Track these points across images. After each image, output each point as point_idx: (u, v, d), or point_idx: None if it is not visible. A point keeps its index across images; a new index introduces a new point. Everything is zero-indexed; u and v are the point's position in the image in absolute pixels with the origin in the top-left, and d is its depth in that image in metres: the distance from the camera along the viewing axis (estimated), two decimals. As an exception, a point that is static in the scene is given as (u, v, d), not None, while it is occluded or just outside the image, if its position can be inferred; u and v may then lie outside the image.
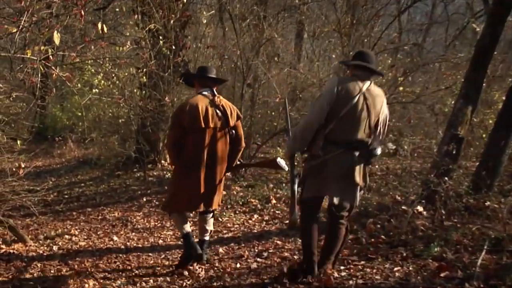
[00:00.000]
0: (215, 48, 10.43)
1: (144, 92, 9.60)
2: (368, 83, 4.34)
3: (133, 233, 6.92)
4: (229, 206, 7.81)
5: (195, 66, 10.00)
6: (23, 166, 6.31)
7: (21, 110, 11.65)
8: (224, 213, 7.41)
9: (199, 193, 5.03)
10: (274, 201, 7.78)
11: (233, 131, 5.24)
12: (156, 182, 10.12)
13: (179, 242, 6.10)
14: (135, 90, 10.16)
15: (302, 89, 11.15)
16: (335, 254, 4.53)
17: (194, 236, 5.29)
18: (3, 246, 6.50)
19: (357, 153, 4.31)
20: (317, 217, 4.49)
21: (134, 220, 7.67)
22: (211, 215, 5.35)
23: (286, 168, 4.89)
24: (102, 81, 9.71)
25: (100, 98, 10.05)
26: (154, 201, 8.74)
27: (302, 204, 4.44)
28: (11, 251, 6.33)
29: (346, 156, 4.28)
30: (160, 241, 6.39)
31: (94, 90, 9.11)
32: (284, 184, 8.99)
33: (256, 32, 9.92)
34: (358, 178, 4.34)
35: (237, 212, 7.53)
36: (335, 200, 4.31)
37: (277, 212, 7.30)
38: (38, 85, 4.90)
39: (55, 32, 4.31)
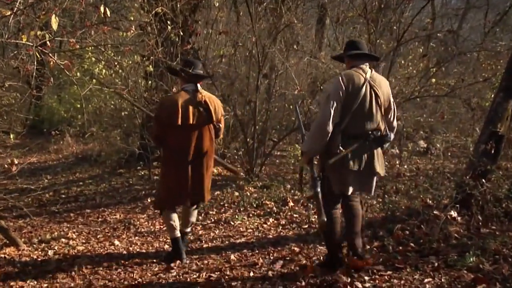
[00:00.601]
0: (228, 34, 10.42)
1: (149, 82, 9.63)
2: (369, 71, 4.87)
3: (136, 237, 6.96)
4: (242, 209, 7.82)
5: (206, 54, 10.02)
6: (16, 162, 6.34)
7: (14, 101, 11.72)
8: (237, 216, 7.43)
9: (186, 189, 5.58)
10: (291, 204, 7.78)
11: (219, 125, 5.80)
12: (162, 181, 10.16)
13: (188, 249, 6.12)
14: (139, 80, 10.20)
15: (323, 80, 11.08)
16: (359, 231, 5.01)
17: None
18: (-6, 250, 6.55)
19: (373, 142, 4.83)
20: (338, 211, 4.98)
21: (138, 223, 7.71)
22: (195, 207, 5.97)
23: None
24: (104, 70, 9.75)
25: (101, 89, 10.09)
26: (160, 202, 8.78)
27: (325, 200, 4.73)
28: (2, 255, 6.39)
29: (364, 147, 4.80)
30: (166, 246, 6.42)
31: (94, 80, 9.15)
32: (302, 185, 8.98)
33: (274, 17, 9.90)
34: (378, 167, 4.89)
35: (251, 215, 7.55)
36: (352, 192, 4.90)
37: (294, 215, 7.30)
38: (34, 74, 4.93)
39: (53, 15, 4.34)
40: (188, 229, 6.07)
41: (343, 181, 4.84)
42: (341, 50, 12.37)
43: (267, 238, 6.41)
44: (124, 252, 6.31)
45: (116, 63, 8.97)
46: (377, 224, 6.29)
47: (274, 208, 7.68)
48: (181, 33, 9.05)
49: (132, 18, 9.02)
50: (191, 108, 5.52)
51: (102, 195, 9.82)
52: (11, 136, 6.71)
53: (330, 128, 4.71)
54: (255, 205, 7.92)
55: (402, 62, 11.04)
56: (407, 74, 10.16)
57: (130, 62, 9.89)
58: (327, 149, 4.78)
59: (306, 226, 6.77)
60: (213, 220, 7.47)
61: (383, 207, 7.00)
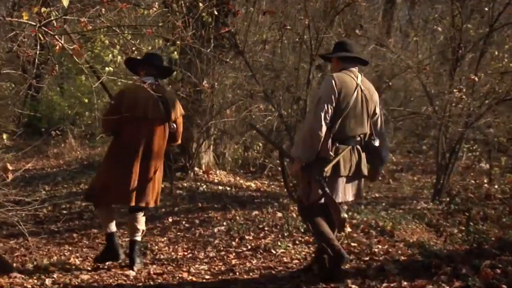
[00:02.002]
0: (273, 14, 10.46)
1: (175, 73, 9.74)
2: (359, 75, 5.84)
3: (154, 266, 7.00)
4: (286, 234, 7.83)
5: (245, 40, 10.06)
6: (11, 168, 6.46)
7: (7, 93, 11.93)
8: (279, 243, 7.44)
9: (130, 185, 6.38)
10: (348, 229, 7.75)
11: (174, 125, 6.66)
12: (187, 196, 10.23)
13: (215, 279, 6.16)
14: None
15: (392, 75, 11.06)
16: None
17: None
18: (-21, 277, 6.63)
19: (361, 146, 5.84)
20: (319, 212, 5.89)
21: (156, 247, 7.77)
22: (142, 213, 6.66)
23: None
24: (119, 57, 9.86)
25: (114, 80, 10.20)
26: (183, 222, 8.85)
27: (313, 205, 5.77)
28: (-11, 283, 6.47)
29: (353, 152, 5.80)
30: (191, 278, 6.45)
31: (108, 69, 9.26)
32: (363, 206, 8.95)
33: (331, -7, 9.91)
34: (365, 170, 5.93)
35: (297, 242, 7.55)
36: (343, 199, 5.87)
37: (352, 244, 7.28)
38: (36, 60, 5.03)
39: (64, -12, 4.40)
40: (138, 237, 6.68)
41: (333, 188, 5.72)
42: (415, 37, 12.36)
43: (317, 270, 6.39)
44: (139, 284, 6.36)
45: (133, 48, 9.05)
46: (459, 258, 6.22)
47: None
48: (216, 12, 9.11)
49: (155, -8, 9.11)
50: (151, 101, 6.39)
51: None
52: (4, 136, 6.82)
53: (323, 132, 5.57)
54: (302, 230, 7.90)
55: (496, 53, 10.91)
56: (501, 68, 10.04)
57: (150, 47, 10.00)
58: (318, 154, 5.66)
59: (367, 258, 6.73)
60: (249, 247, 7.49)
61: (466, 238, 6.94)
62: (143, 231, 6.74)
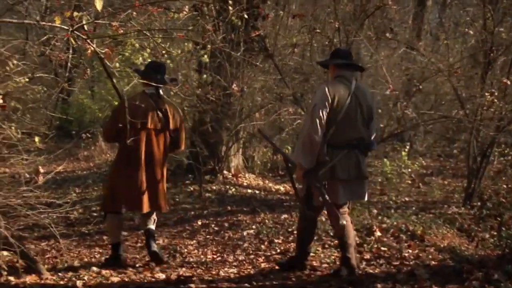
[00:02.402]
0: (303, 18, 10.46)
1: (204, 76, 9.76)
2: (354, 81, 6.17)
3: (184, 268, 7.02)
4: (315, 238, 7.80)
5: (274, 43, 10.07)
6: (42, 171, 6.52)
7: (40, 96, 12.01)
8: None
9: (140, 192, 6.74)
10: (378, 233, 7.73)
11: (175, 134, 6.98)
12: (216, 200, 10.25)
13: (247, 285, 6.17)
14: (192, 73, 10.34)
15: (423, 78, 10.99)
16: (352, 243, 6.26)
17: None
18: (12, 278, 6.66)
19: (358, 150, 6.14)
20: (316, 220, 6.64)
21: (185, 250, 7.80)
22: (154, 218, 7.10)
23: None
24: (149, 60, 9.93)
25: (144, 83, 10.27)
26: (213, 225, 8.87)
27: (310, 209, 6.22)
28: (22, 285, 6.50)
29: (351, 156, 6.09)
30: (220, 281, 6.46)
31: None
32: (393, 210, 8.90)
33: (361, -4, 9.87)
34: (366, 171, 6.31)
35: (327, 246, 7.54)
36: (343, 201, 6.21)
37: (382, 248, 7.24)
38: (68, 64, 5.08)
39: (98, -7, 4.43)
40: (152, 226, 7.08)
41: (332, 191, 6.03)
42: (446, 40, 12.29)
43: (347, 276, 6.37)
44: (170, 286, 6.39)
45: (163, 52, 9.10)
46: (490, 264, 6.16)
47: (356, 238, 7.63)
48: (245, 16, 9.13)
49: (185, -4, 9.16)
50: (151, 111, 6.76)
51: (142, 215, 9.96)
52: (37, 139, 6.87)
53: (320, 137, 5.90)
54: (331, 233, 7.88)
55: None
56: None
57: (180, 51, 10.04)
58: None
59: (398, 263, 6.70)
60: (279, 251, 7.50)
61: (498, 243, 6.87)
62: (155, 220, 7.16)
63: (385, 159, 11.79)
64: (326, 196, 5.91)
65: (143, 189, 6.77)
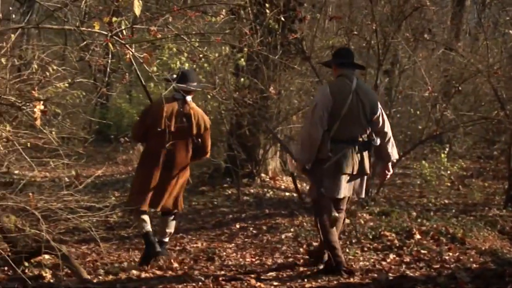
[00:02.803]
0: (340, 20, 10.44)
1: (242, 79, 9.78)
2: (355, 80, 6.42)
3: (222, 271, 7.05)
4: (354, 241, 7.78)
5: (311, 46, 10.06)
6: (82, 175, 6.59)
7: (79, 101, 12.12)
8: (347, 250, 7.40)
9: (163, 191, 7.12)
10: (418, 236, 7.69)
11: (199, 140, 7.28)
12: (254, 203, 10.27)
13: (284, 285, 6.16)
14: (229, 77, 10.37)
15: (462, 80, 10.89)
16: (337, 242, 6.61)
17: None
18: (53, 281, 6.77)
19: (361, 146, 6.42)
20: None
21: (224, 253, 7.82)
22: (172, 217, 7.44)
23: None
24: (186, 64, 9.98)
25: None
26: (251, 228, 8.90)
27: (320, 204, 6.41)
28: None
29: (354, 151, 6.38)
30: (259, 284, 6.47)
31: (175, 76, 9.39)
32: (432, 213, 8.83)
33: (399, -3, 9.82)
34: (368, 168, 6.53)
35: (366, 249, 7.52)
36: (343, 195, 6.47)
37: (422, 251, 7.20)
38: (107, 69, 5.14)
39: (137, -3, 4.46)
40: (166, 239, 7.52)
41: (336, 185, 6.34)
42: (485, 40, 12.18)
43: (386, 279, 6.34)
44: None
45: (201, 56, 9.14)
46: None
47: (396, 241, 7.60)
48: (282, 19, 9.12)
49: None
50: (174, 117, 7.06)
51: (180, 218, 10.00)
52: (77, 143, 6.97)
53: (320, 135, 6.22)
54: (370, 237, 7.87)
55: None
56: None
57: (217, 54, 10.08)
58: (317, 155, 6.31)
59: (438, 266, 6.65)
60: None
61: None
62: (170, 233, 7.58)
63: (423, 161, 11.70)
64: (323, 189, 6.28)
65: (166, 189, 7.16)
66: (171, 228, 7.50)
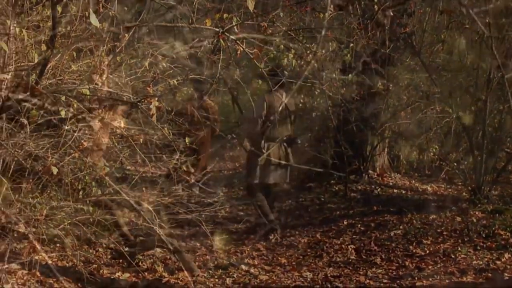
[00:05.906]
0: (451, 14, 10.20)
1: (349, 75, 9.73)
2: (284, 93, 8.71)
3: (331, 268, 7.05)
4: (466, 239, 7.64)
5: (421, 40, 9.89)
6: (192, 171, 6.71)
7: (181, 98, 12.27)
8: (459, 248, 7.27)
9: None
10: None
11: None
12: (361, 199, 10.20)
13: (393, 283, 6.12)
14: (335, 73, 10.34)
15: None
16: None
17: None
18: (165, 275, 6.94)
19: (287, 143, 8.85)
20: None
21: (331, 250, 7.83)
22: None
23: None
24: (293, 61, 9.99)
25: (291, 82, 10.34)
26: (359, 225, 8.84)
27: (256, 186, 8.83)
28: (175, 280, 6.76)
29: (281, 147, 8.75)
30: (368, 281, 6.44)
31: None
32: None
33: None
34: (291, 160, 8.99)
35: (478, 247, 7.38)
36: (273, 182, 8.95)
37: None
38: (219, 66, 5.20)
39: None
40: None
41: (266, 173, 8.67)
42: None
43: (501, 279, 6.19)
44: (316, 286, 6.43)
45: (308, 52, 9.12)
46: None
47: (511, 240, 7.41)
48: (391, 13, 9.01)
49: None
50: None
51: (287, 214, 10.06)
52: (187, 140, 7.09)
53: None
54: (483, 235, 7.72)
55: None
56: None
57: (324, 50, 10.05)
58: (255, 150, 8.58)
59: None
60: (427, 252, 7.38)
61: None
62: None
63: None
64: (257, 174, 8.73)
65: None
66: None
